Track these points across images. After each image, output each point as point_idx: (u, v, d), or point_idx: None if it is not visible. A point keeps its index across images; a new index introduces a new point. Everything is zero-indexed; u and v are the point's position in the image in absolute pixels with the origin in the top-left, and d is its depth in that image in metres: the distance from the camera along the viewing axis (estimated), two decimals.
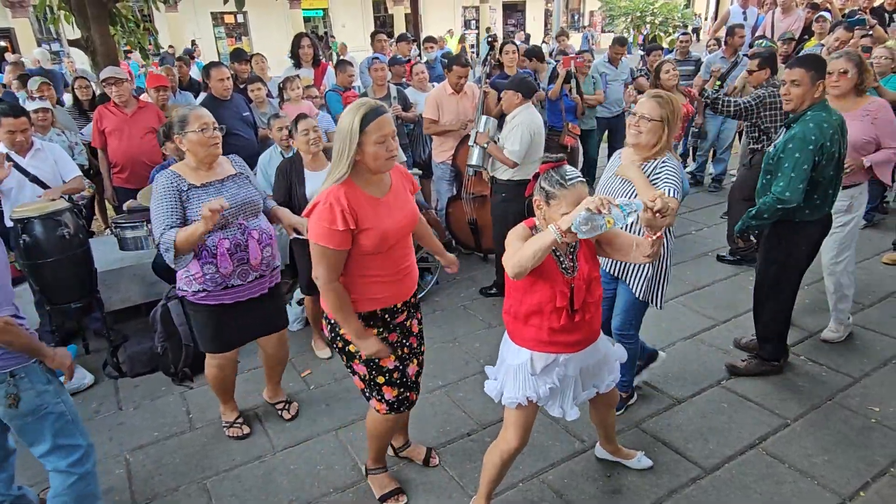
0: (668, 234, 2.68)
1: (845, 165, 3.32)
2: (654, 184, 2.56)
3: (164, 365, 3.58)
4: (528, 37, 19.45)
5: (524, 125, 3.98)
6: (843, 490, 2.57)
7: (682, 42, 7.01)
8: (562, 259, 2.11)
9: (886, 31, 6.37)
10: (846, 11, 7.32)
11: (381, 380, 2.35)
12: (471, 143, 4.36)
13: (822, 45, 6.05)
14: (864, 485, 2.59)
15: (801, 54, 3.63)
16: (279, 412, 3.23)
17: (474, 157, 4.40)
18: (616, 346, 2.52)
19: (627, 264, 2.77)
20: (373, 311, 2.28)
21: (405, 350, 2.41)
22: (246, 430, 3.11)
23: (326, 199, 2.07)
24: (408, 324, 2.41)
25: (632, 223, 1.90)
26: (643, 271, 2.75)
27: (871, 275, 4.55)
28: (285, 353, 3.16)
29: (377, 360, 2.32)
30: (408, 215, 2.28)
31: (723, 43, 6.70)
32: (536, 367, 2.18)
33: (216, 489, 2.75)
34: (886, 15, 7.13)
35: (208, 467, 2.88)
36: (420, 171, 5.18)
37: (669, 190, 2.49)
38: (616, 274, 2.86)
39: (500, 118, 4.59)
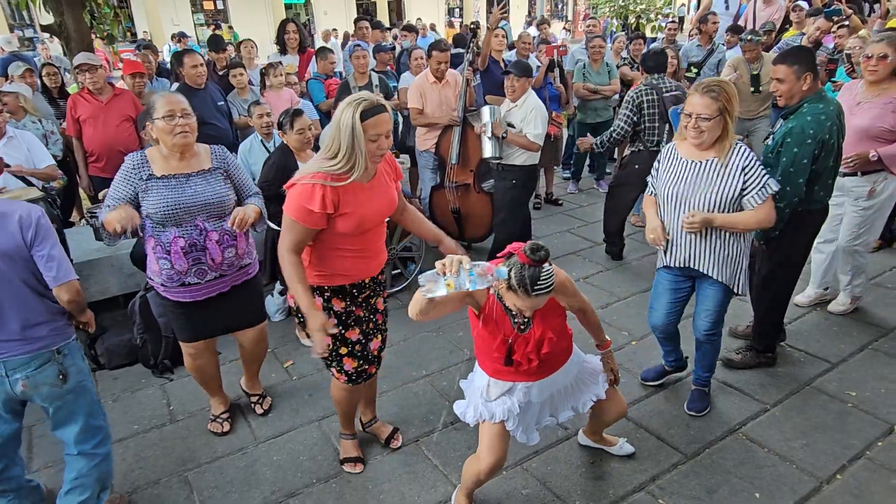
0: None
1: (848, 157, 3.30)
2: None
3: (144, 357, 3.53)
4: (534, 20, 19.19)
5: (538, 108, 4.15)
6: (820, 473, 2.61)
7: (669, 30, 7.01)
8: (515, 315, 2.04)
9: (865, 20, 6.43)
10: (826, 0, 7.36)
11: (343, 350, 2.45)
12: (487, 135, 4.24)
13: (804, 35, 6.10)
14: (841, 468, 2.64)
15: (787, 48, 3.59)
16: (252, 405, 3.19)
17: (489, 150, 4.29)
18: (597, 357, 2.39)
19: (711, 256, 2.69)
20: (342, 285, 2.36)
21: (370, 325, 2.50)
22: (226, 427, 3.02)
23: (312, 179, 2.11)
24: (373, 301, 2.52)
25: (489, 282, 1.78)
26: (733, 260, 2.69)
27: None
28: (262, 350, 3.07)
29: (343, 333, 2.42)
30: (387, 202, 2.35)
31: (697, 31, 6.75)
32: (492, 393, 2.21)
33: (197, 481, 2.72)
34: (867, 4, 7.18)
35: (189, 460, 2.85)
36: (407, 157, 5.13)
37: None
38: (698, 266, 2.72)
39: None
